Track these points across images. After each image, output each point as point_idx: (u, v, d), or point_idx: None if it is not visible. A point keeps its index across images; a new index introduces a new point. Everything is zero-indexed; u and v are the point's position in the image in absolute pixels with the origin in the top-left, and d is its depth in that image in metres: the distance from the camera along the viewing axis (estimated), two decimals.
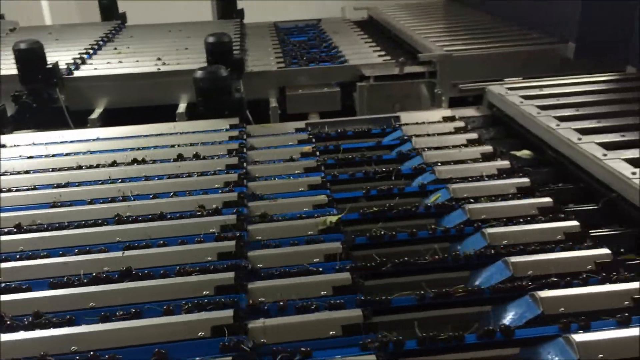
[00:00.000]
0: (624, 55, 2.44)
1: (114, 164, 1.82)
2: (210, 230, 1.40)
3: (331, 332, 1.08)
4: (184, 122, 2.43)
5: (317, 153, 1.87)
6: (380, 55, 3.06)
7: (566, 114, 1.95)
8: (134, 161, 1.82)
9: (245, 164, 1.77)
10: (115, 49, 3.34)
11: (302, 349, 1.03)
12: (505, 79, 2.52)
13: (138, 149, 1.93)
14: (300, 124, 2.15)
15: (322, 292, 1.18)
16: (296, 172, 1.73)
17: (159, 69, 2.86)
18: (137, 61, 3.03)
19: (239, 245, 1.30)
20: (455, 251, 1.38)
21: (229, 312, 1.08)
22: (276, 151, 1.91)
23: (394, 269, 1.29)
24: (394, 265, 1.29)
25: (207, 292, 1.17)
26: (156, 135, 2.07)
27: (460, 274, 1.32)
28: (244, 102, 2.38)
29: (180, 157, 1.84)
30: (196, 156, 1.84)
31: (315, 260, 1.30)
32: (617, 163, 1.57)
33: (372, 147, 1.96)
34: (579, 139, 1.73)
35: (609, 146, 1.67)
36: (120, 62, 3.04)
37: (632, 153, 1.62)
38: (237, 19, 4.06)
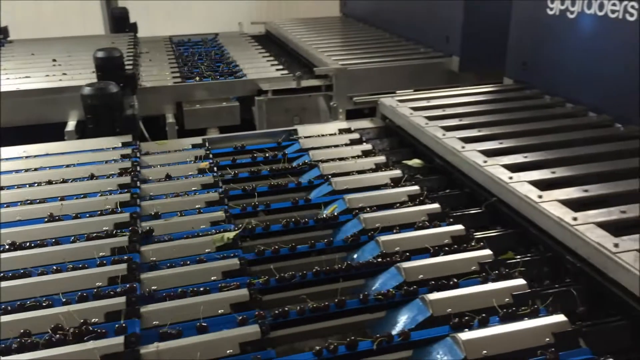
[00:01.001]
0: (502, 68, 2.65)
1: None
2: (101, 253, 1.34)
3: (228, 351, 1.07)
4: (73, 140, 2.32)
5: (215, 169, 1.85)
6: (278, 69, 3.09)
7: (451, 124, 2.07)
8: (20, 185, 1.71)
9: (138, 183, 1.71)
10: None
11: None
12: (397, 91, 2.62)
13: (25, 170, 1.82)
14: (197, 140, 2.12)
15: (219, 310, 1.17)
16: (193, 189, 1.71)
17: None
18: (25, 77, 2.86)
19: (130, 268, 1.26)
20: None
21: (120, 339, 1.04)
22: (172, 168, 1.87)
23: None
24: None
25: (97, 320, 1.12)
26: (43, 155, 1.96)
27: (355, 282, 1.36)
28: (137, 118, 2.30)
29: (69, 178, 1.74)
30: (86, 176, 1.76)
31: (212, 278, 1.28)
32: (496, 169, 1.68)
33: (270, 161, 1.98)
34: (463, 147, 1.84)
35: (488, 153, 1.79)
36: (5, 79, 2.84)
37: (509, 159, 1.75)
38: (130, 33, 3.94)
